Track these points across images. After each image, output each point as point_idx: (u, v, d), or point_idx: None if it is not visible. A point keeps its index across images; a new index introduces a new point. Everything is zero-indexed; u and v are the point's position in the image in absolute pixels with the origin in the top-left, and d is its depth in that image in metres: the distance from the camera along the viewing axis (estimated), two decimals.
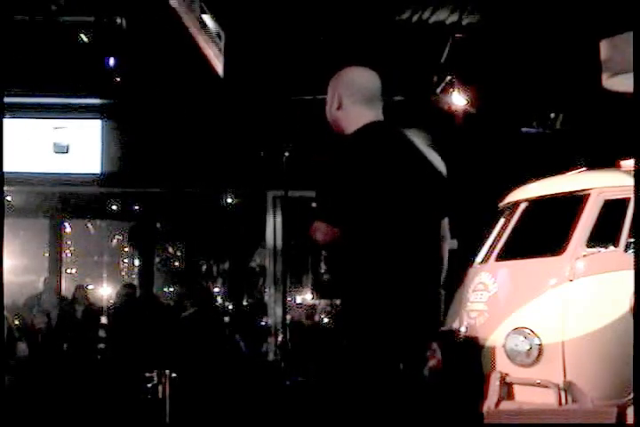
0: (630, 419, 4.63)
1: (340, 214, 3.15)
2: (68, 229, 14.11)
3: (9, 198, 10.00)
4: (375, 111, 3.40)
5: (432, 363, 3.28)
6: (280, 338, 9.88)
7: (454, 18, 8.04)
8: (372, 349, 3.12)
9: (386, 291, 3.13)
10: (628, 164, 5.46)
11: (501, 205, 6.42)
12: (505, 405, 5.25)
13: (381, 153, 3.24)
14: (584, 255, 5.40)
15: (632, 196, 4.73)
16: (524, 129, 9.48)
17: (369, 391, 3.12)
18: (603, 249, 5.53)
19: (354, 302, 3.19)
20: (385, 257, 3.15)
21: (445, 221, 3.37)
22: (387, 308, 3.12)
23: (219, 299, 13.63)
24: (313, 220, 3.20)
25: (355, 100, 3.37)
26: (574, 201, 5.66)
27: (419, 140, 3.36)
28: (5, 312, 7.54)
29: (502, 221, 6.26)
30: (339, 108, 3.39)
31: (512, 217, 6.08)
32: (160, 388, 5.82)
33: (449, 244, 3.40)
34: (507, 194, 6.37)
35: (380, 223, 3.15)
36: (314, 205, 3.24)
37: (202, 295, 10.98)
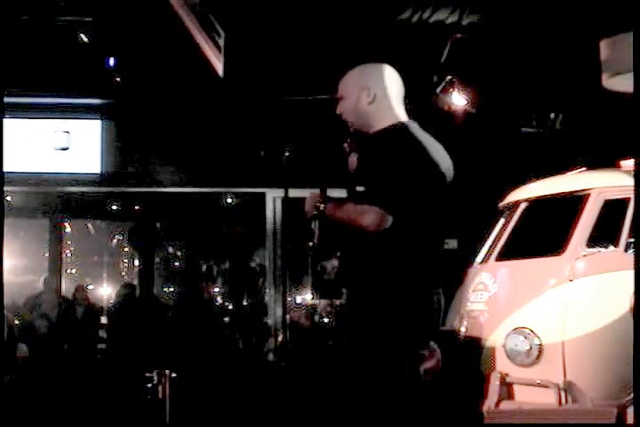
0: (630, 419, 4.63)
1: (397, 203, 3.12)
2: (68, 229, 14.10)
3: (9, 198, 10.00)
4: (402, 109, 3.42)
5: (432, 363, 3.29)
6: (280, 338, 9.87)
7: (454, 18, 8.01)
8: (384, 345, 3.12)
9: (397, 285, 3.14)
10: (628, 164, 5.46)
11: (501, 205, 6.42)
12: (505, 405, 5.26)
13: (421, 150, 3.24)
14: (584, 255, 5.41)
15: (632, 196, 4.73)
16: (523, 129, 9.48)
17: (376, 390, 3.12)
18: (603, 249, 5.53)
19: (370, 297, 3.19)
20: (402, 250, 3.16)
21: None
22: (404, 304, 3.13)
23: (219, 299, 13.65)
24: (358, 203, 3.17)
25: (388, 95, 3.37)
26: (574, 201, 5.66)
27: (433, 139, 3.38)
28: (5, 312, 7.54)
29: (502, 221, 6.26)
30: (371, 102, 3.36)
31: (512, 217, 6.08)
32: (160, 388, 5.81)
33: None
34: (507, 194, 6.37)
35: (418, 221, 3.16)
36: (360, 189, 3.21)
37: (185, 297, 11.00)
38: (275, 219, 10.55)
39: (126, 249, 17.64)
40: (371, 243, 3.16)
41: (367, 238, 3.15)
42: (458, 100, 8.86)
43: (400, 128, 3.32)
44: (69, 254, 16.19)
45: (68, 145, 10.14)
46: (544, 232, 5.87)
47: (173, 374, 5.85)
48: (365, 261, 3.22)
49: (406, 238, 3.16)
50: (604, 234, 5.53)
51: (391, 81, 3.41)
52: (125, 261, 18.41)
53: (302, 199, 3.40)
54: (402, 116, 3.40)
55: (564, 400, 5.11)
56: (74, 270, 17.13)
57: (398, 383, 3.13)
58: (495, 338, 5.44)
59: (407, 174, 3.13)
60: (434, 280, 3.26)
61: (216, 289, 14.21)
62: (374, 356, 3.13)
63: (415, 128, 3.34)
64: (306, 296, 12.22)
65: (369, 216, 3.08)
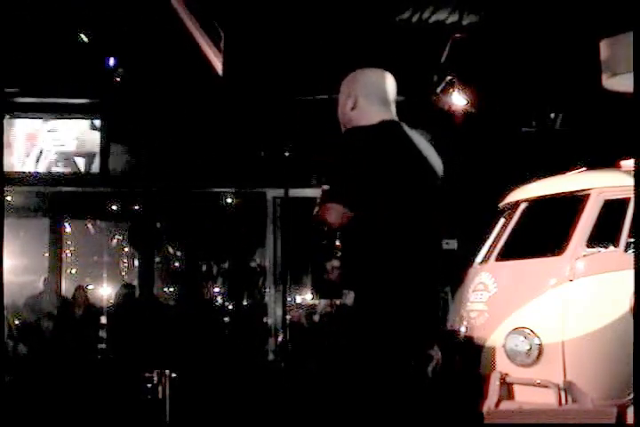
0: (630, 419, 4.63)
1: (356, 200, 3.14)
2: (68, 229, 14.09)
3: (9, 198, 9.99)
4: (390, 113, 3.42)
5: (432, 363, 3.29)
6: (280, 338, 9.88)
7: (454, 18, 8.02)
8: (387, 344, 3.12)
9: (400, 285, 3.13)
10: (628, 164, 5.46)
11: (501, 205, 6.42)
12: (505, 405, 5.25)
13: (398, 148, 3.25)
14: (584, 255, 5.41)
15: (632, 196, 4.73)
16: (523, 129, 9.48)
17: (379, 389, 3.12)
18: (603, 249, 5.53)
19: (368, 296, 3.18)
20: (398, 249, 3.16)
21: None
22: (401, 303, 3.12)
23: (219, 299, 13.64)
24: (324, 202, 3.19)
25: (370, 100, 3.40)
26: (574, 201, 5.66)
27: (423, 140, 3.38)
28: (5, 312, 7.54)
29: (502, 221, 6.26)
30: (353, 108, 3.40)
31: (512, 217, 6.08)
32: (160, 388, 5.81)
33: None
34: (507, 194, 6.37)
35: (394, 215, 3.16)
36: (325, 187, 3.22)
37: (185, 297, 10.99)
38: (275, 219, 10.55)
39: (126, 249, 17.63)
40: (367, 241, 3.17)
41: (364, 236, 3.16)
42: (458, 100, 8.86)
43: (383, 126, 3.31)
44: (69, 254, 16.19)
45: (68, 145, 10.14)
46: (544, 232, 5.87)
47: (173, 374, 5.85)
48: (364, 261, 3.21)
49: (402, 236, 3.16)
50: (604, 234, 5.53)
51: (375, 87, 3.43)
52: (125, 261, 18.40)
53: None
54: (387, 119, 3.39)
55: (563, 400, 5.11)
56: (74, 270, 17.12)
57: (403, 383, 3.13)
58: (495, 338, 5.44)
59: (373, 168, 3.14)
60: (437, 279, 3.26)
61: (216, 289, 14.20)
62: (379, 356, 3.13)
63: (396, 127, 3.33)
64: (306, 296, 12.22)
65: (330, 213, 3.13)
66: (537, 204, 6.03)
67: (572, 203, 5.67)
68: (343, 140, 3.32)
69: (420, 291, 3.17)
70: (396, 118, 3.42)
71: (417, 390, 3.17)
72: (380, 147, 3.21)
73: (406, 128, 3.36)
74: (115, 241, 17.55)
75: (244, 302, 12.55)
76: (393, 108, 3.45)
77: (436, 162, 3.37)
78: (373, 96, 3.41)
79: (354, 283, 3.28)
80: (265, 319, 10.62)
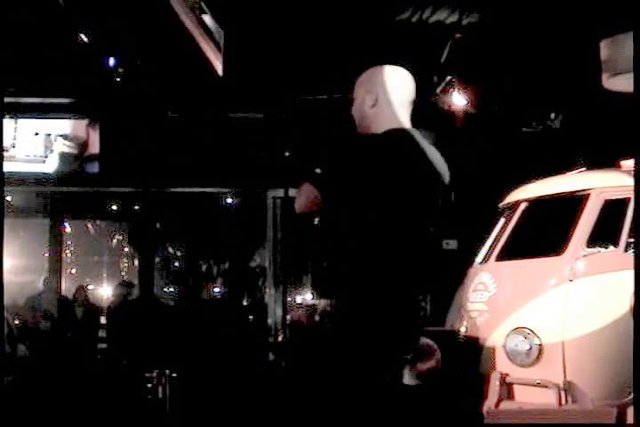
0: (630, 419, 4.63)
1: (337, 192, 3.10)
2: (68, 229, 14.10)
3: (9, 198, 10.00)
4: (406, 115, 3.33)
5: (432, 363, 3.28)
6: (280, 337, 9.89)
7: (454, 18, 8.02)
8: (368, 349, 3.10)
9: (383, 291, 3.11)
10: (628, 164, 5.46)
11: (501, 205, 6.42)
12: (505, 405, 5.26)
13: (404, 157, 3.18)
14: (584, 255, 5.41)
15: (632, 196, 4.73)
16: (524, 129, 9.49)
17: (366, 391, 3.11)
18: (603, 249, 5.54)
19: (350, 299, 3.17)
20: (387, 257, 3.12)
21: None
22: (380, 308, 3.10)
23: (219, 299, 13.65)
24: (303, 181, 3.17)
25: (390, 100, 3.29)
26: (574, 201, 5.67)
27: (428, 143, 3.32)
28: (5, 312, 7.55)
29: (502, 221, 6.27)
30: (373, 105, 3.30)
31: (512, 217, 6.08)
32: (160, 388, 5.82)
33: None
34: (507, 194, 6.38)
35: (387, 221, 3.12)
36: (317, 170, 3.18)
37: (185, 297, 10.97)
38: (275, 219, 10.56)
39: (126, 249, 17.65)
40: (356, 247, 3.14)
41: (354, 242, 3.13)
42: (458, 100, 8.86)
43: (394, 134, 3.23)
44: (69, 254, 16.20)
45: (67, 145, 10.15)
46: (544, 232, 5.87)
47: (173, 374, 5.86)
48: (351, 265, 3.17)
49: (392, 244, 3.13)
50: (604, 234, 5.54)
51: (397, 86, 3.33)
52: (125, 261, 18.41)
53: None
54: (403, 123, 3.31)
55: (563, 400, 5.11)
56: (74, 270, 17.13)
57: (377, 388, 3.10)
58: (495, 338, 5.44)
59: (372, 173, 3.08)
60: (420, 286, 3.20)
61: (216, 289, 14.22)
62: (353, 360, 3.11)
63: (410, 137, 3.24)
64: (306, 296, 12.23)
65: (298, 195, 3.15)
66: (537, 204, 6.03)
67: (572, 203, 5.67)
68: (351, 143, 3.26)
69: (402, 298, 3.12)
70: (408, 123, 3.33)
71: (395, 393, 3.15)
72: (385, 156, 3.14)
73: (416, 134, 3.26)
74: (115, 241, 17.56)
75: (244, 302, 12.56)
76: (409, 110, 3.35)
77: (442, 168, 3.29)
78: (394, 95, 3.30)
79: (338, 286, 3.24)
80: (265, 319, 10.62)
